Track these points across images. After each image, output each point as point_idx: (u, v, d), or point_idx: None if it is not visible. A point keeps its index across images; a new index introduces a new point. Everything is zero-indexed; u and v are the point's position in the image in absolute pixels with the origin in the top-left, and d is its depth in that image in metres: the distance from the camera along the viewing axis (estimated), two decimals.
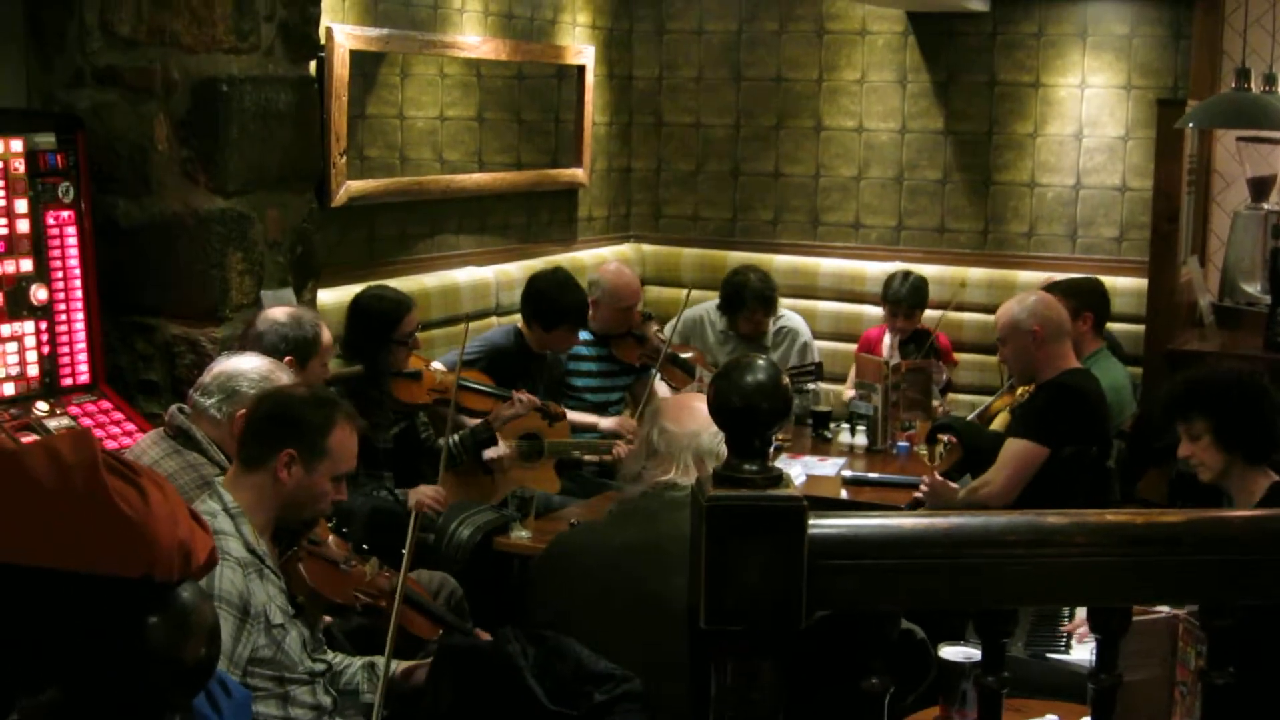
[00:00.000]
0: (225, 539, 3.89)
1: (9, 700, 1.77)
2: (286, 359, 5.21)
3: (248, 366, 4.71)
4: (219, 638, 1.80)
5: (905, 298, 7.85)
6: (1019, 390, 6.72)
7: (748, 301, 7.99)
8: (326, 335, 5.44)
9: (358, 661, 4.34)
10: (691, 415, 3.95)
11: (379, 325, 6.20)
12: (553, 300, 7.04)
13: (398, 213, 7.44)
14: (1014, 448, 5.96)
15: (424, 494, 5.81)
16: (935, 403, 7.45)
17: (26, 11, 5.71)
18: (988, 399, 7.40)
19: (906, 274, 7.99)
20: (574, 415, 7.29)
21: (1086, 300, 6.94)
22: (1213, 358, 7.21)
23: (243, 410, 4.49)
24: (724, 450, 3.69)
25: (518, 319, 7.30)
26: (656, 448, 3.91)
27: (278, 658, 3.93)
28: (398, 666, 4.26)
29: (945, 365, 7.94)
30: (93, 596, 1.69)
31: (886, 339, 7.92)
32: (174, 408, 4.79)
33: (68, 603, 1.70)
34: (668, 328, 7.97)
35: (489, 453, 6.51)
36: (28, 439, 4.83)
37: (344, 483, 4.18)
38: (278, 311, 5.38)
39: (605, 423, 7.40)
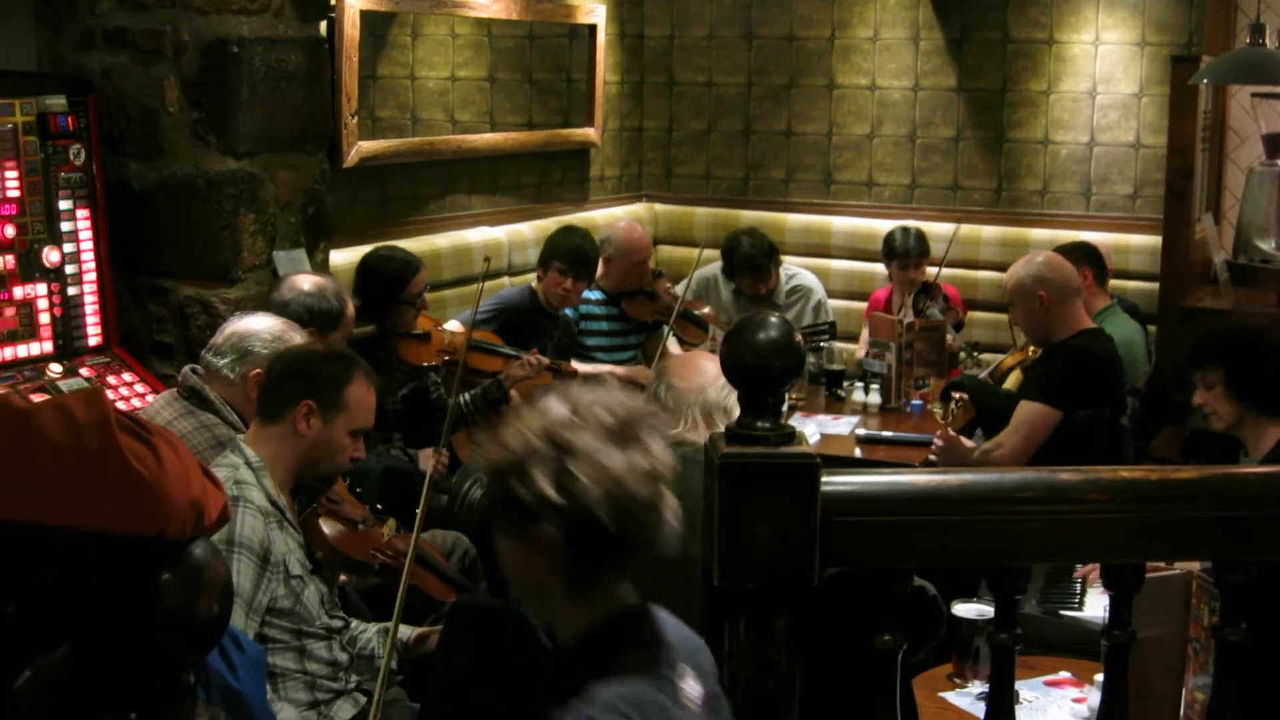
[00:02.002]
0: (247, 488, 3.93)
1: (23, 658, 1.78)
2: (307, 329, 5.21)
3: (260, 326, 4.71)
4: (231, 595, 1.80)
5: (914, 249, 7.86)
6: (1030, 349, 6.71)
7: (737, 268, 8.00)
8: (350, 309, 5.42)
9: (373, 627, 4.36)
10: (697, 370, 3.95)
11: (387, 286, 6.20)
12: (551, 243, 7.14)
13: (409, 173, 7.42)
14: (1027, 410, 5.94)
15: (428, 457, 5.88)
16: (950, 338, 7.43)
17: None
18: (1001, 357, 7.39)
19: (905, 228, 7.99)
20: (588, 366, 7.31)
21: (1081, 256, 6.88)
22: (1227, 315, 7.19)
23: (256, 370, 4.52)
24: (731, 403, 3.71)
25: (531, 279, 7.30)
26: (664, 404, 3.91)
27: (296, 610, 3.96)
28: (412, 633, 4.28)
29: (955, 309, 7.92)
30: (105, 554, 1.69)
31: (895, 298, 7.91)
32: (187, 368, 4.80)
33: (80, 561, 1.70)
34: (679, 287, 7.96)
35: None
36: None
37: (362, 439, 4.20)
38: (302, 280, 5.37)
39: (620, 371, 7.41)
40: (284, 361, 4.24)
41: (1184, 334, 6.03)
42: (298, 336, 4.74)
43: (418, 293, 6.23)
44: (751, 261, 7.95)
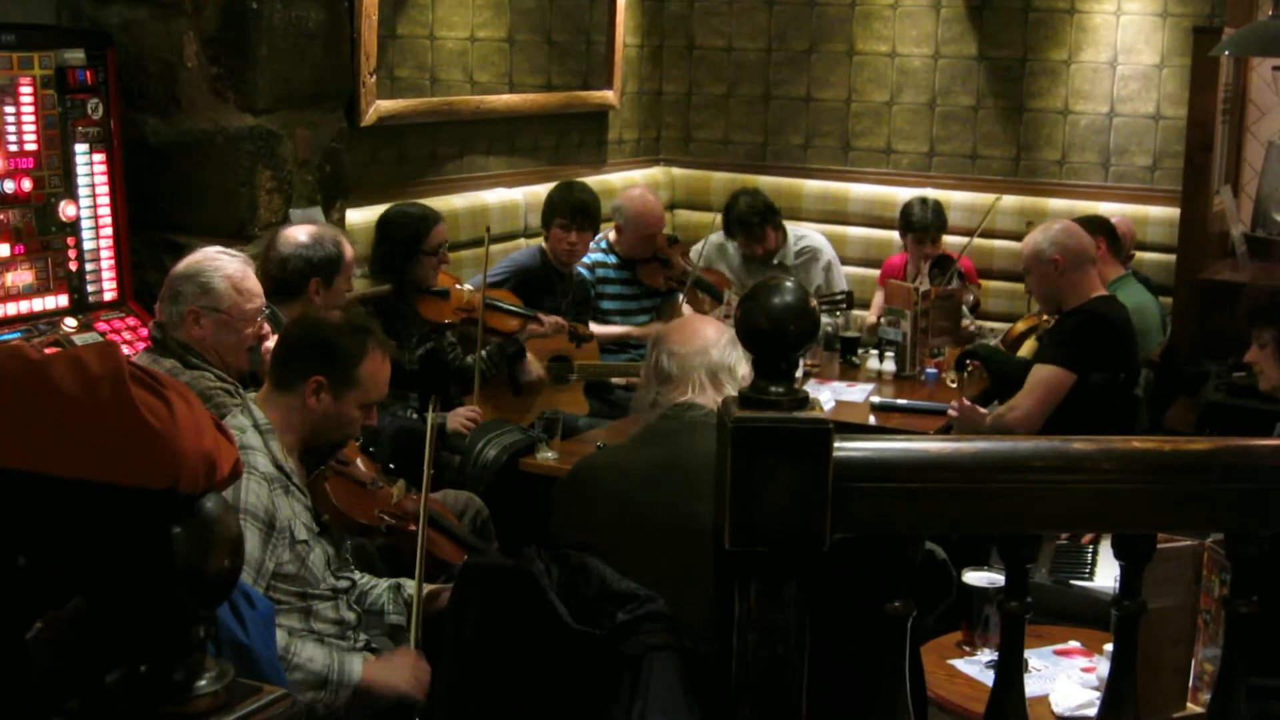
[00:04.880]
0: (253, 454, 3.91)
1: (34, 610, 1.78)
2: (312, 281, 5.23)
3: (185, 263, 4.71)
4: (242, 549, 1.80)
5: (932, 223, 7.84)
6: (1044, 316, 6.71)
7: (731, 225, 8.00)
8: (349, 251, 5.42)
9: (384, 582, 4.36)
10: (695, 334, 3.94)
11: (407, 238, 6.21)
12: (550, 201, 7.18)
13: (427, 133, 7.41)
14: (1041, 373, 5.95)
15: (459, 416, 5.90)
16: (965, 321, 7.44)
17: None
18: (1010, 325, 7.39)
19: (924, 200, 7.96)
20: (606, 328, 7.31)
21: (1095, 227, 6.87)
22: (1248, 288, 7.18)
23: (190, 308, 4.57)
24: (735, 362, 3.71)
25: (542, 240, 7.30)
26: (668, 372, 3.89)
27: (301, 574, 3.95)
28: (424, 590, 4.28)
29: (972, 286, 7.93)
30: (117, 507, 1.69)
31: (910, 268, 7.90)
32: (153, 321, 4.80)
33: (92, 513, 1.70)
34: (692, 253, 7.97)
35: (527, 371, 6.53)
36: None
37: (374, 408, 4.18)
38: (298, 232, 5.36)
39: (638, 330, 7.41)
40: (298, 331, 4.21)
41: (1241, 296, 6.02)
42: (229, 264, 4.69)
43: (438, 244, 6.24)
44: (744, 219, 7.94)
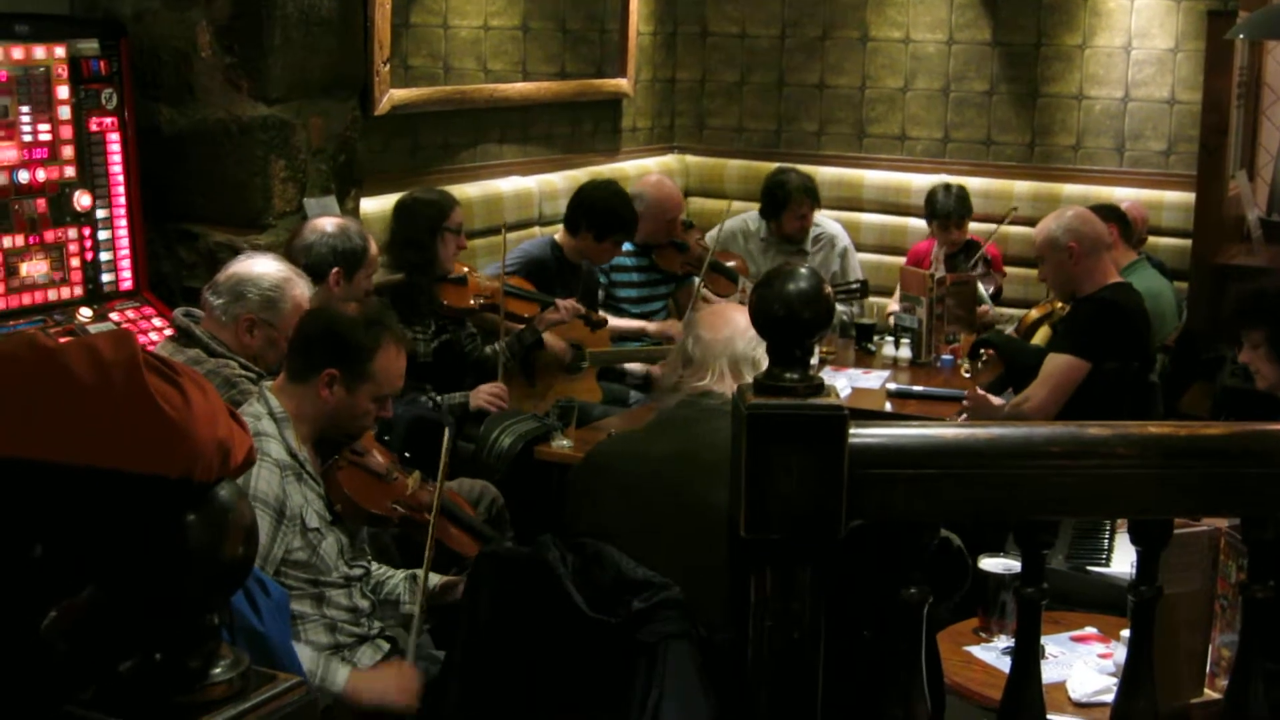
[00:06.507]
0: (267, 441, 3.94)
1: (48, 598, 1.78)
2: (334, 271, 5.23)
3: (260, 271, 4.70)
4: (256, 537, 1.80)
5: (955, 210, 7.81)
6: (1056, 303, 6.70)
7: (793, 194, 7.94)
8: (374, 247, 5.46)
9: (400, 573, 4.37)
10: (725, 322, 3.94)
11: (431, 216, 6.21)
12: (610, 212, 7.03)
13: (441, 122, 7.41)
14: (1056, 362, 5.93)
15: (483, 393, 5.96)
16: (985, 307, 7.43)
17: None
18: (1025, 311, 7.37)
19: (948, 186, 7.93)
20: (620, 322, 7.29)
21: (1107, 214, 6.85)
22: (1264, 273, 7.16)
23: (248, 315, 4.59)
24: (759, 355, 3.69)
25: (553, 230, 7.28)
26: (692, 356, 3.90)
27: (313, 561, 3.96)
28: (438, 580, 4.29)
29: (996, 274, 7.92)
30: (132, 495, 1.69)
31: (936, 253, 7.89)
32: (178, 311, 4.82)
33: (107, 501, 1.70)
34: (707, 237, 7.95)
35: (550, 350, 6.53)
36: None
37: (389, 401, 4.20)
38: (325, 222, 5.39)
39: (652, 327, 7.40)
40: (314, 323, 4.23)
41: (1229, 292, 6.02)
42: (301, 284, 4.74)
43: (459, 223, 6.26)
44: (806, 186, 7.94)
